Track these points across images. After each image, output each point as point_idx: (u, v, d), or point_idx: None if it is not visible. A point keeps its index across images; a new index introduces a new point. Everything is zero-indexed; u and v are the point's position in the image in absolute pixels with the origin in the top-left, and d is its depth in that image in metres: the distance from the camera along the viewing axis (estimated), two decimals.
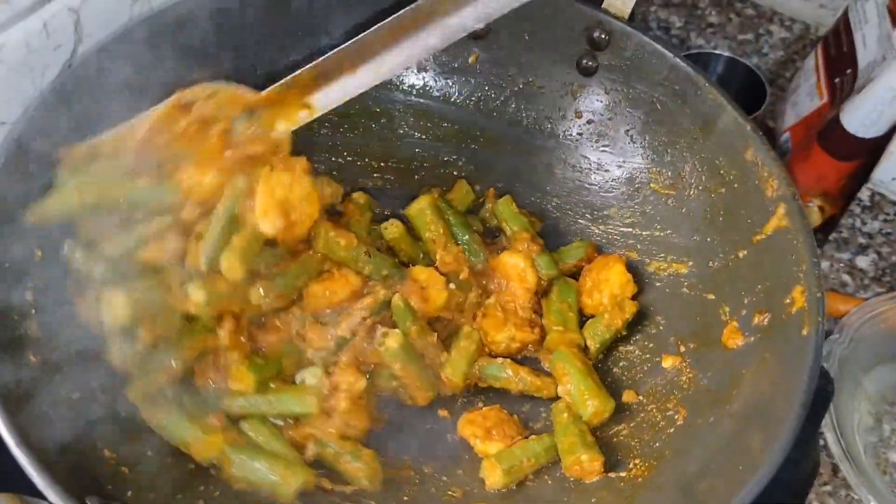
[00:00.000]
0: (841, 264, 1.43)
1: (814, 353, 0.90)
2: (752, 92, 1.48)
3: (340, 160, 1.30)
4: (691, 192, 1.15)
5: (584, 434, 1.05)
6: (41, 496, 0.82)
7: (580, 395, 1.08)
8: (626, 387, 1.12)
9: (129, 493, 0.91)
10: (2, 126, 1.08)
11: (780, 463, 0.85)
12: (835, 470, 1.22)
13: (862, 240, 1.45)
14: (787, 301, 0.96)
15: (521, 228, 1.23)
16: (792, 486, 1.05)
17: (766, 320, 1.00)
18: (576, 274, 1.22)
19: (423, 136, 1.31)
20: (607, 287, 1.17)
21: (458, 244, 1.21)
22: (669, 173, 1.18)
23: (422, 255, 1.21)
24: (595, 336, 1.15)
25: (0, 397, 0.85)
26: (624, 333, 1.16)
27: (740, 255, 1.07)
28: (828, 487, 1.22)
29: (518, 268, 1.18)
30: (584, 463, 1.03)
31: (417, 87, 1.30)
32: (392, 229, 1.21)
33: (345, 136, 1.29)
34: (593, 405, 1.07)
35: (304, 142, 1.24)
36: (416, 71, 1.29)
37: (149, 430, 1.00)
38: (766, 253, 1.03)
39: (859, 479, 1.18)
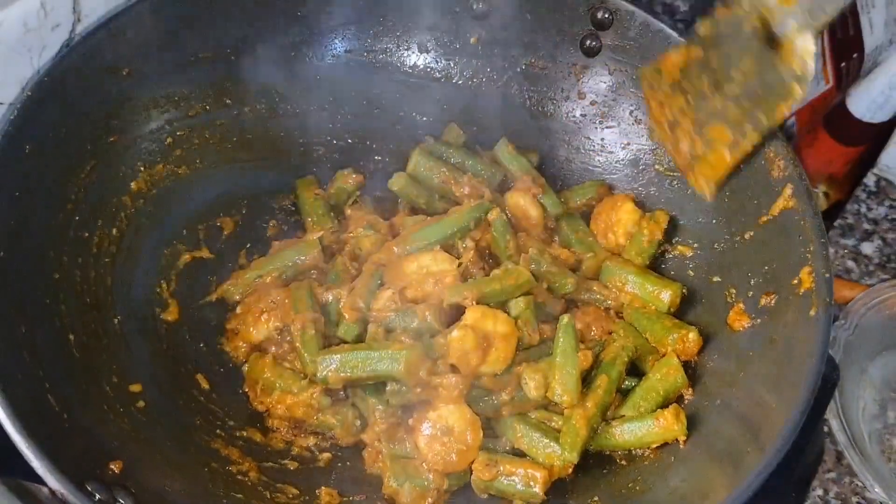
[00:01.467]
0: (846, 250, 1.41)
1: (822, 335, 0.89)
2: None
3: (341, 143, 1.28)
4: None
5: (672, 320, 1.09)
6: (40, 481, 0.80)
7: (650, 293, 1.11)
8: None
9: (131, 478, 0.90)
10: (0, 106, 1.07)
11: (788, 448, 0.84)
12: (839, 457, 1.21)
13: (867, 226, 1.44)
14: (795, 282, 0.95)
15: (522, 170, 1.22)
16: (796, 474, 1.05)
17: (773, 302, 0.99)
18: (585, 216, 1.22)
19: (425, 118, 1.30)
20: (621, 227, 1.17)
21: (467, 173, 1.21)
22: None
23: (438, 198, 1.21)
24: (641, 252, 1.15)
25: (2, 384, 0.83)
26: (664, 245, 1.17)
27: (746, 236, 1.06)
28: (832, 474, 1.21)
29: (520, 206, 1.17)
30: (690, 340, 1.06)
31: (419, 67, 1.28)
32: (398, 180, 1.21)
33: (345, 117, 1.28)
34: (668, 295, 1.10)
35: (303, 125, 1.26)
36: (417, 51, 1.28)
37: (154, 419, 1.00)
38: (772, 234, 1.02)
39: (864, 465, 1.17)
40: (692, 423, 0.99)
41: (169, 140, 1.16)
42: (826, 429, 1.21)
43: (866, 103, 1.29)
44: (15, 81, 1.07)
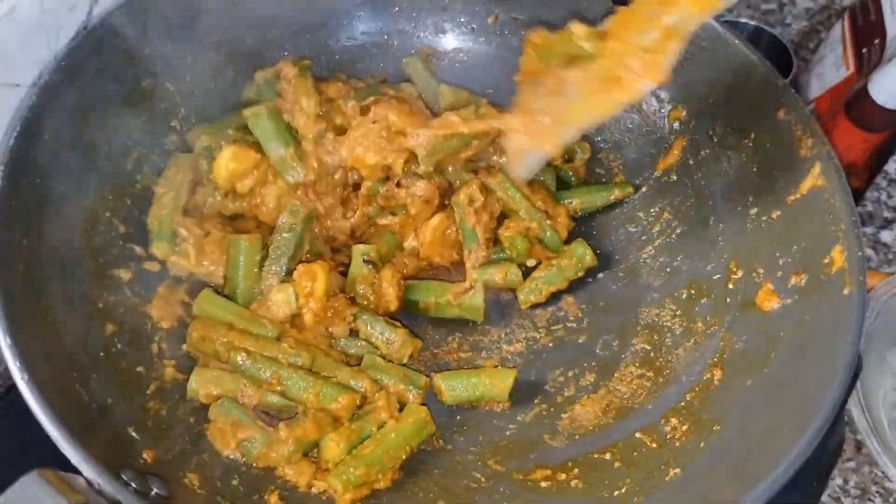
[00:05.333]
0: (864, 238, 1.40)
1: (857, 313, 0.87)
2: (776, 62, 1.45)
3: None
4: (721, 154, 1.12)
5: None
6: (75, 471, 0.79)
7: None
8: (657, 351, 1.10)
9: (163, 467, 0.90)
10: (17, 88, 1.05)
11: (824, 428, 0.83)
12: (858, 446, 1.20)
13: (887, 214, 1.42)
14: (826, 261, 0.94)
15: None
16: (817, 463, 1.03)
17: (803, 281, 0.97)
18: None
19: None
20: None
21: None
22: (699, 134, 1.15)
23: None
24: None
25: (31, 375, 0.82)
26: None
27: (773, 216, 1.04)
28: (851, 463, 1.19)
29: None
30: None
31: (436, 49, 1.27)
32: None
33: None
34: None
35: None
36: (434, 32, 1.26)
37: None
38: (801, 213, 1.00)
39: (885, 454, 1.16)
40: (722, 405, 0.98)
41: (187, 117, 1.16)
42: (845, 418, 1.19)
43: (890, 89, 1.27)
44: (32, 63, 1.05)
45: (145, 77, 1.10)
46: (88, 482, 0.79)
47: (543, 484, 0.99)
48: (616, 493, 0.95)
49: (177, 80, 1.14)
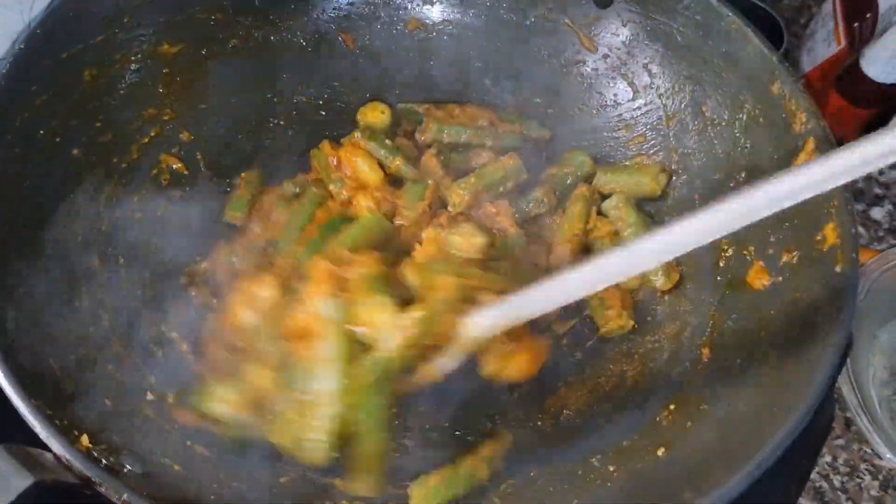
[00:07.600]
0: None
1: (850, 291, 0.86)
2: (768, 37, 1.43)
3: (349, 102, 1.26)
4: (713, 129, 1.11)
5: None
6: (44, 447, 0.77)
7: None
8: (644, 329, 1.09)
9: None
10: None
11: (814, 407, 0.82)
12: (847, 424, 1.20)
13: (878, 190, 1.42)
14: (819, 238, 0.92)
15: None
16: (806, 441, 1.03)
17: (795, 259, 0.95)
18: None
19: (429, 73, 1.26)
20: None
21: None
22: (690, 109, 1.13)
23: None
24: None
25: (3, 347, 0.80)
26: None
27: None
28: (840, 441, 1.19)
29: None
30: None
31: (426, 21, 1.24)
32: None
33: (350, 74, 1.26)
34: None
35: (325, 67, 1.24)
36: (423, 3, 1.24)
37: None
38: None
39: (875, 432, 1.15)
40: (710, 384, 0.97)
41: (164, 90, 1.13)
42: (835, 395, 1.19)
43: (881, 64, 1.27)
44: (5, 35, 1.03)
45: None
46: (57, 458, 0.76)
47: None
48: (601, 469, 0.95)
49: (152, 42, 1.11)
